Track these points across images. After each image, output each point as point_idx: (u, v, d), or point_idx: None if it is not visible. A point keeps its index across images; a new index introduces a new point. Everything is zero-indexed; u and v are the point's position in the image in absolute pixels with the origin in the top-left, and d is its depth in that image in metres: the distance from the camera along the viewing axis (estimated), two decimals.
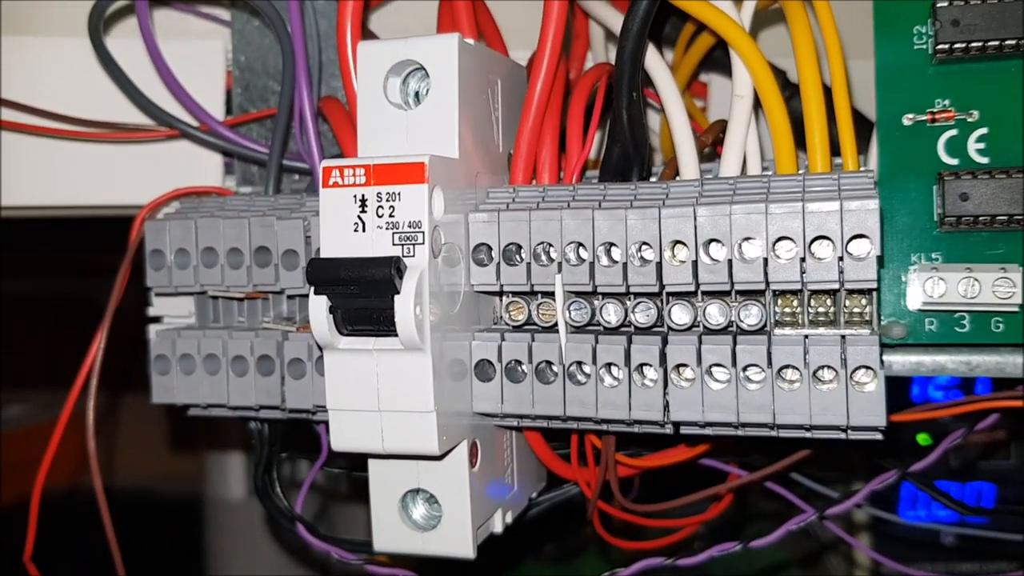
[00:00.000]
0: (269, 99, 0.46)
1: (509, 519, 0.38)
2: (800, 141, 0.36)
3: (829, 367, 0.31)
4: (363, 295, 0.31)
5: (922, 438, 0.64)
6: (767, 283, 0.32)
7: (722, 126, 0.38)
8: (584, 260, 0.33)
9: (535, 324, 0.35)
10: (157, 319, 0.40)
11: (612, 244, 0.33)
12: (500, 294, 0.36)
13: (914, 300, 0.36)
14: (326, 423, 0.41)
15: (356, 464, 0.48)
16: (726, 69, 0.47)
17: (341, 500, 0.68)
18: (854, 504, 0.41)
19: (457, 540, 0.35)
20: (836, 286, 0.31)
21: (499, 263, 0.34)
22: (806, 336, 0.32)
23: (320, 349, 0.32)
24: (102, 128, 0.45)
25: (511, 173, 0.37)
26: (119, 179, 0.47)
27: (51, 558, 0.44)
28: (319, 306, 0.31)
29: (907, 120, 0.37)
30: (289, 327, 0.37)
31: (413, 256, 0.31)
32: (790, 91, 0.44)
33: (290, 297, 0.38)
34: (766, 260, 0.32)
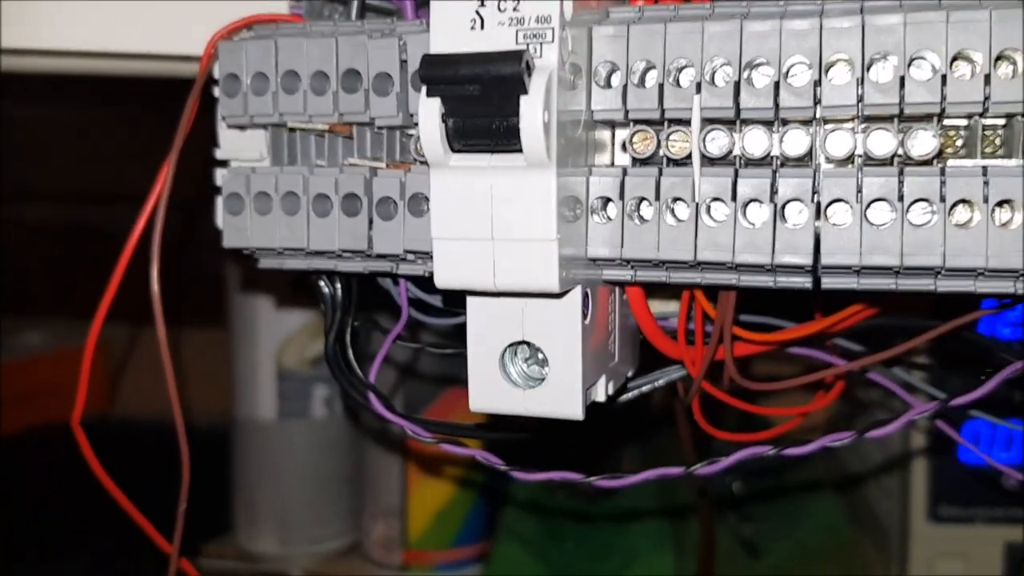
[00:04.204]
0: None
1: (611, 389, 0.35)
2: None
3: (1011, 202, 0.27)
4: (483, 100, 0.27)
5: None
6: (943, 106, 0.28)
7: None
8: (717, 84, 0.29)
9: (663, 157, 0.31)
10: (225, 163, 0.36)
11: (761, 62, 0.29)
12: (621, 125, 0.32)
13: None
14: (409, 278, 0.37)
15: (434, 341, 0.45)
16: None
17: (413, 380, 0.64)
18: (981, 396, 0.37)
19: (564, 399, 0.31)
20: (1020, 108, 0.27)
21: (626, 85, 0.30)
22: (985, 168, 0.28)
23: (428, 165, 0.28)
24: None
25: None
26: (172, 23, 0.43)
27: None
28: (431, 111, 0.27)
29: None
30: (378, 163, 0.33)
31: (540, 57, 0.27)
32: None
33: (378, 131, 0.34)
34: (945, 77, 0.27)
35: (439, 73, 0.27)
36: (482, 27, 0.27)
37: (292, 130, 0.34)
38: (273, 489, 0.85)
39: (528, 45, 0.27)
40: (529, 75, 0.26)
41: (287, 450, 0.84)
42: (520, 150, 0.27)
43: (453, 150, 0.28)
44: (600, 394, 0.34)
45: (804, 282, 0.30)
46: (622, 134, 0.32)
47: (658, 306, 0.38)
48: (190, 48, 0.40)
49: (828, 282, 0.30)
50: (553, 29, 0.27)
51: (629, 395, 0.39)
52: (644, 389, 0.39)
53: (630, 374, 0.38)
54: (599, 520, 0.74)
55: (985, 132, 0.30)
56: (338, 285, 0.38)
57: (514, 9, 0.27)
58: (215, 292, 0.88)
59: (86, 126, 1.01)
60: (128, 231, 0.36)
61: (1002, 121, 0.30)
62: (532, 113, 0.26)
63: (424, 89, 0.27)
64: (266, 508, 0.85)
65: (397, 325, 0.38)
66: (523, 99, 0.26)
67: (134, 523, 0.40)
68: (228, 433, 0.88)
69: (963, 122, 0.30)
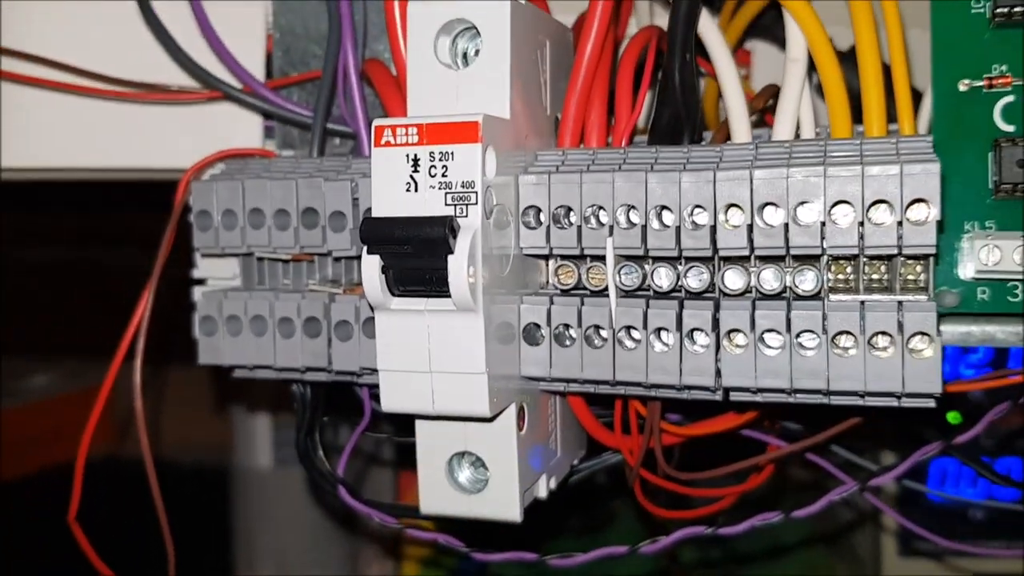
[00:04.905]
0: (310, 63, 0.46)
1: (553, 484, 0.38)
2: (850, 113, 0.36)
3: (885, 333, 0.31)
4: (416, 255, 0.30)
5: (952, 416, 0.64)
6: (823, 248, 0.31)
7: (773, 91, 0.38)
8: (636, 224, 0.33)
9: (585, 288, 0.35)
10: (202, 281, 0.40)
11: (665, 207, 0.32)
12: (549, 257, 0.35)
13: (967, 269, 0.36)
14: (370, 386, 0.41)
15: (399, 429, 0.48)
16: (773, 36, 0.47)
17: (379, 465, 0.69)
18: (898, 475, 0.41)
19: (504, 503, 0.35)
20: (894, 251, 0.31)
21: (549, 226, 0.34)
22: (862, 302, 0.32)
23: (372, 309, 0.32)
24: (139, 88, 0.45)
25: (558, 137, 0.37)
26: (158, 141, 0.47)
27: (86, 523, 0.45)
28: (372, 266, 0.31)
29: (963, 86, 0.36)
30: (336, 289, 0.37)
31: (466, 216, 0.31)
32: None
33: (336, 259, 0.38)
34: (823, 224, 0.31)
35: (376, 235, 0.31)
36: (416, 190, 0.31)
37: (260, 259, 0.38)
38: (271, 533, 0.89)
39: (455, 206, 0.31)
40: (454, 237, 0.30)
41: (284, 496, 0.88)
42: (450, 296, 0.31)
43: (393, 294, 0.32)
44: (542, 491, 0.37)
45: (714, 396, 0.34)
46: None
47: None
48: (178, 163, 0.44)
49: (734, 396, 0.34)
50: (476, 192, 0.31)
51: (574, 478, 0.42)
52: (585, 474, 0.42)
53: (576, 462, 0.42)
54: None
55: (874, 261, 0.34)
56: (308, 386, 0.41)
57: (443, 174, 0.31)
58: None
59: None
60: (132, 271, 0.40)
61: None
62: (458, 269, 0.30)
63: (365, 247, 0.31)
64: (265, 551, 0.88)
65: (362, 422, 0.42)
66: (450, 257, 0.30)
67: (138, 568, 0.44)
68: (229, 474, 0.92)
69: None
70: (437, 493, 0.35)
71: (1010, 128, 0.36)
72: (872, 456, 0.59)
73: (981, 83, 0.36)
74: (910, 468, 0.41)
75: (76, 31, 0.47)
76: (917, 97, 0.37)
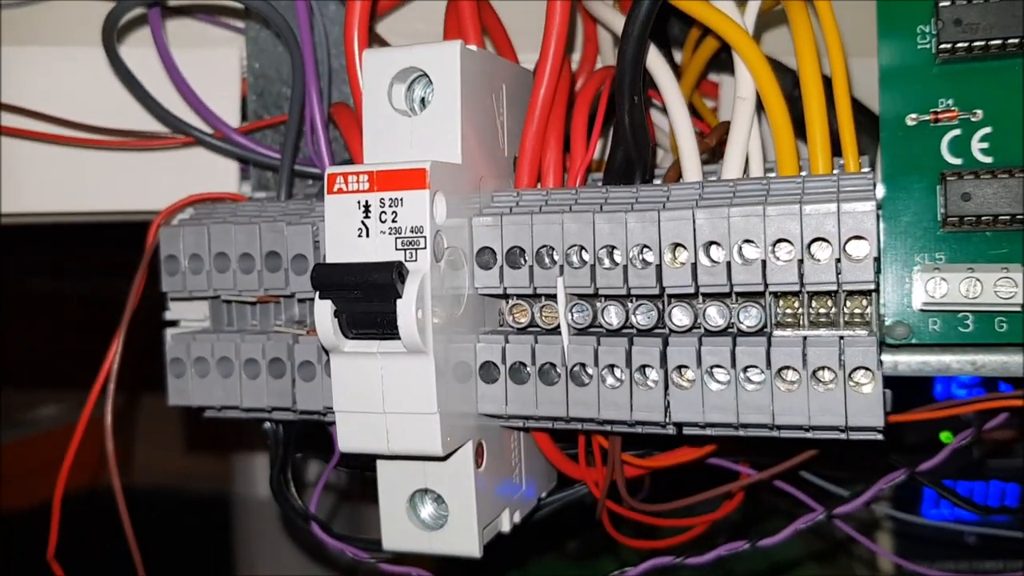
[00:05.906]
0: (283, 105, 0.47)
1: (517, 519, 0.39)
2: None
3: (828, 368, 0.32)
4: (367, 299, 0.31)
5: (945, 436, 0.64)
6: (766, 285, 0.32)
7: (727, 127, 0.39)
8: (586, 263, 0.34)
9: (538, 326, 0.35)
10: (174, 323, 0.41)
11: (613, 247, 0.33)
12: (504, 297, 0.36)
13: (917, 300, 0.36)
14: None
15: (368, 464, 0.49)
16: (732, 71, 0.47)
17: (357, 499, 0.70)
18: (863, 503, 0.41)
19: (464, 539, 0.35)
20: (834, 287, 0.32)
21: (502, 266, 0.34)
22: (805, 337, 0.32)
23: (326, 352, 0.33)
24: (121, 136, 0.46)
25: (516, 176, 0.38)
26: (138, 185, 0.49)
27: (76, 557, 0.46)
28: (324, 310, 0.32)
29: (911, 120, 0.37)
30: (299, 331, 0.38)
31: (415, 260, 0.32)
32: (800, 90, 0.44)
33: (300, 301, 0.39)
34: (764, 262, 0.32)
35: (327, 281, 0.31)
36: (367, 235, 0.32)
37: (227, 301, 0.39)
38: (271, 559, 0.90)
39: (405, 251, 0.32)
40: (402, 281, 0.31)
41: (282, 524, 0.89)
42: (400, 338, 0.32)
43: (346, 337, 0.33)
44: (505, 525, 0.38)
45: (666, 430, 0.35)
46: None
47: None
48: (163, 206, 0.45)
49: (687, 430, 0.35)
50: (425, 237, 0.31)
51: (542, 512, 0.43)
52: (554, 506, 0.43)
53: (544, 495, 0.43)
54: None
55: (821, 296, 0.34)
56: (280, 424, 0.42)
57: (393, 220, 0.32)
58: None
59: None
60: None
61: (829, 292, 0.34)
62: (406, 313, 0.31)
63: (317, 293, 0.32)
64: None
65: (333, 458, 0.43)
66: (399, 301, 0.31)
67: None
68: (229, 501, 0.93)
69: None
70: (399, 529, 0.36)
71: (957, 161, 0.36)
72: (863, 483, 0.59)
73: (928, 117, 0.37)
74: (875, 495, 0.41)
75: (54, 81, 0.48)
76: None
